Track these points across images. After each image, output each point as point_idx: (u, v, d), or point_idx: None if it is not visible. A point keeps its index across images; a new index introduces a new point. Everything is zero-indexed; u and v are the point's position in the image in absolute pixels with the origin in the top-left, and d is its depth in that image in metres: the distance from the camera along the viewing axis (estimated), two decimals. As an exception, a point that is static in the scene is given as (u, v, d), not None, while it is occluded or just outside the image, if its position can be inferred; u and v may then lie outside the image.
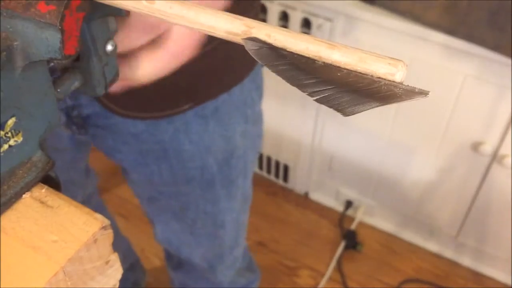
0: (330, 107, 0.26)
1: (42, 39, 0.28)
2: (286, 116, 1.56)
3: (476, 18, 1.10)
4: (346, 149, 1.55)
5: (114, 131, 0.67)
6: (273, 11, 1.36)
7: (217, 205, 0.80)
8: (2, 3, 0.28)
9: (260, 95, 0.77)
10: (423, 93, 0.24)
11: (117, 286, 0.34)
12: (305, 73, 0.26)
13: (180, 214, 0.79)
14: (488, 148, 1.28)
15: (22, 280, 0.28)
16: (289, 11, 1.33)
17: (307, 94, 0.27)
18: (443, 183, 1.44)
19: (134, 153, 0.70)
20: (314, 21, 1.31)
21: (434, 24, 1.16)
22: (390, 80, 0.24)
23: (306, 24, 1.34)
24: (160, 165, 0.71)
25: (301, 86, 0.27)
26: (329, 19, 1.29)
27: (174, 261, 0.96)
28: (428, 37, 1.19)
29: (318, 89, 0.26)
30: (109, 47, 0.35)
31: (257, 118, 0.78)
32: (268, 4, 1.35)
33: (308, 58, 0.26)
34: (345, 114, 0.26)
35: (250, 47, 0.27)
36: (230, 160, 0.75)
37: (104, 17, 0.34)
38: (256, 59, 0.27)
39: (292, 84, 0.27)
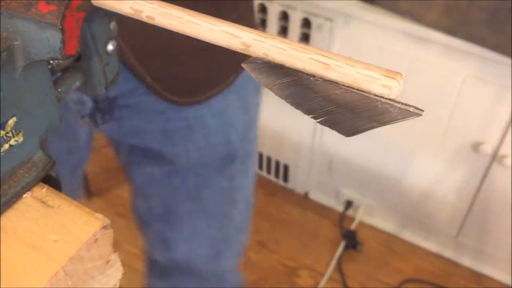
0: (332, 129, 0.27)
1: (43, 39, 0.28)
2: (286, 116, 1.56)
3: (476, 18, 1.10)
4: (346, 149, 1.55)
5: (139, 110, 0.69)
6: (273, 11, 1.36)
7: (233, 181, 0.80)
8: (3, 3, 0.28)
9: None
10: (417, 113, 0.25)
11: (118, 285, 0.34)
12: (306, 91, 0.27)
13: (194, 192, 0.79)
14: (488, 148, 1.28)
15: (23, 279, 0.28)
16: (289, 11, 1.33)
17: (311, 117, 0.27)
18: (443, 183, 1.44)
19: (159, 132, 0.71)
20: (314, 21, 1.31)
21: (434, 24, 1.16)
22: (386, 98, 0.25)
23: (306, 24, 1.34)
24: (187, 144, 0.72)
25: (303, 108, 0.27)
26: (329, 19, 1.29)
27: (159, 268, 0.93)
28: (428, 37, 1.19)
29: (319, 111, 0.27)
30: (110, 47, 0.35)
31: (262, 90, 0.81)
32: (268, 4, 1.36)
33: (308, 75, 0.26)
34: (347, 135, 0.27)
35: (251, 69, 0.27)
36: (248, 133, 0.78)
37: (105, 17, 0.34)
38: (258, 79, 0.28)
39: (296, 105, 0.28)
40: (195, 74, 0.68)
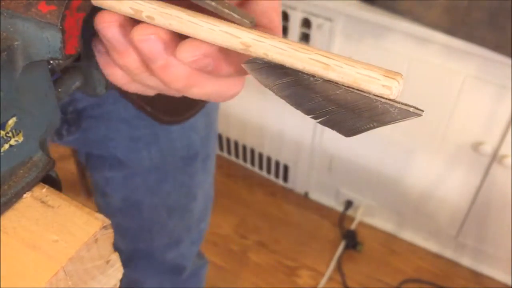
0: (333, 129, 0.27)
1: (43, 39, 0.28)
2: (286, 116, 1.56)
3: (476, 18, 1.10)
4: (346, 149, 1.55)
5: (107, 119, 0.69)
6: (273, 11, 1.36)
7: (194, 178, 0.82)
8: (3, 3, 0.28)
9: None
10: (417, 113, 0.25)
11: (118, 285, 0.34)
12: (306, 92, 0.27)
13: (155, 187, 0.80)
14: (488, 148, 1.28)
15: (23, 279, 0.28)
16: (289, 11, 1.33)
17: (311, 117, 0.27)
18: (443, 183, 1.44)
19: (126, 139, 0.72)
20: (314, 21, 1.31)
21: (434, 24, 1.16)
22: (386, 99, 0.25)
23: (306, 24, 1.34)
24: (151, 150, 0.73)
25: (303, 108, 0.27)
26: (329, 19, 1.29)
27: (122, 257, 0.94)
28: (428, 37, 1.19)
29: (319, 111, 0.27)
30: (110, 47, 0.35)
31: None
32: (268, 4, 1.35)
33: (308, 75, 0.26)
34: (347, 135, 0.27)
35: (251, 69, 0.27)
36: (209, 134, 0.79)
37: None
38: (258, 80, 0.28)
39: (296, 106, 0.28)
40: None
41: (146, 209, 0.83)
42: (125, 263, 1.02)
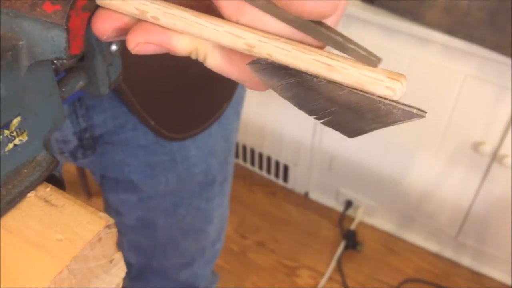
0: (336, 129, 0.27)
1: (48, 39, 0.28)
2: (286, 116, 1.56)
3: (476, 18, 1.11)
4: (346, 149, 1.55)
5: (124, 145, 0.67)
6: (274, 11, 1.36)
7: (210, 202, 0.81)
8: (8, 3, 0.28)
9: (244, 88, 0.79)
10: (420, 114, 0.26)
11: (121, 285, 0.34)
12: (310, 92, 0.27)
13: (171, 210, 0.79)
14: (488, 148, 1.29)
15: (27, 279, 0.29)
16: (289, 11, 1.33)
17: (314, 118, 0.28)
18: (443, 183, 1.44)
19: (143, 165, 0.70)
20: (315, 21, 1.31)
21: (434, 24, 1.17)
22: (389, 100, 0.26)
23: (307, 24, 1.34)
24: (168, 175, 0.71)
25: (307, 109, 0.27)
26: (329, 19, 1.30)
27: (132, 271, 0.93)
28: (428, 37, 1.19)
29: (323, 112, 0.27)
30: (114, 47, 0.35)
31: (241, 114, 0.81)
32: (268, 4, 1.35)
33: (311, 76, 0.27)
34: (350, 136, 0.27)
35: (255, 70, 0.28)
36: (227, 158, 0.78)
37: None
38: (262, 81, 0.28)
39: (299, 106, 0.28)
40: (192, 110, 0.68)
41: (160, 229, 0.82)
42: (135, 277, 0.96)
